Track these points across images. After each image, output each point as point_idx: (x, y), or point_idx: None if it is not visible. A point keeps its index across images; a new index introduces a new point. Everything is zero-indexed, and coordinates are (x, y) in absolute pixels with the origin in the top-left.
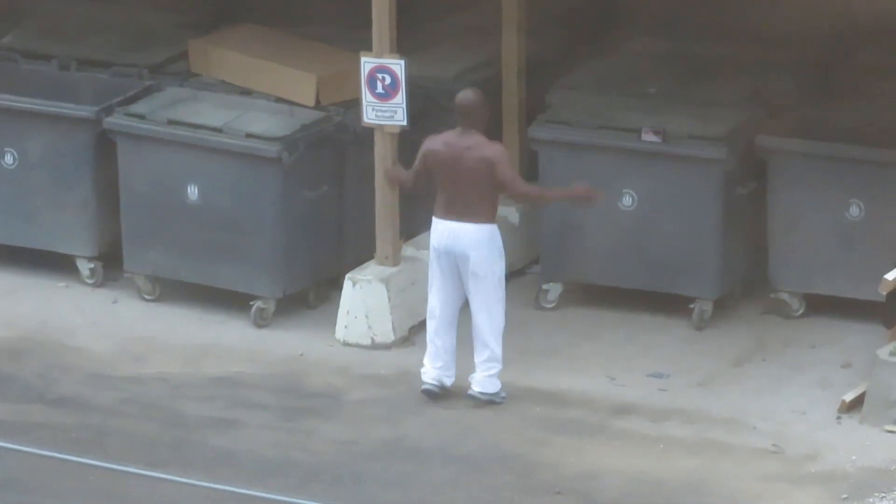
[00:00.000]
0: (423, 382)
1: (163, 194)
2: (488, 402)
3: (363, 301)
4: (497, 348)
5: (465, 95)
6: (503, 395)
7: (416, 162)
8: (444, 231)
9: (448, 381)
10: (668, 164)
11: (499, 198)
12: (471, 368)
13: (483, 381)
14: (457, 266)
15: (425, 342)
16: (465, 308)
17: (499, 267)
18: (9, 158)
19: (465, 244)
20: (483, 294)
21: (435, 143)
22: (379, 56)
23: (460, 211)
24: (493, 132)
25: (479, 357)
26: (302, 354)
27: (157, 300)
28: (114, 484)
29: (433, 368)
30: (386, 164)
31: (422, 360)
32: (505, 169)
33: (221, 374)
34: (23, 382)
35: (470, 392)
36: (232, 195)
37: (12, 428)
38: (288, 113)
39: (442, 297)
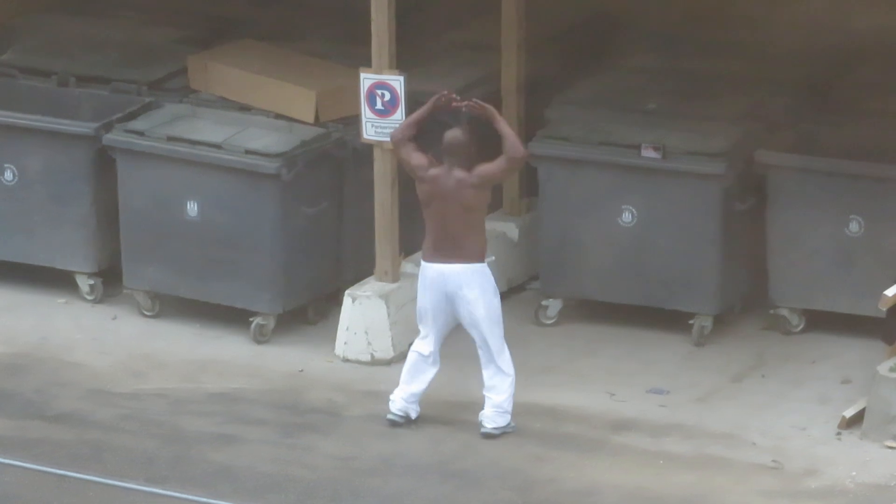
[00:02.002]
0: (390, 412)
1: (162, 210)
2: (501, 434)
3: (363, 317)
4: (507, 390)
5: (453, 135)
6: (513, 424)
7: (422, 157)
8: (433, 274)
9: (414, 414)
10: (667, 179)
11: (485, 236)
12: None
13: (493, 416)
14: (448, 308)
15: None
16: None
17: (494, 304)
18: (8, 175)
19: (456, 284)
20: (482, 336)
21: (429, 169)
22: (378, 72)
23: (448, 252)
24: (493, 149)
25: (490, 400)
26: (301, 370)
27: (156, 316)
28: (113, 500)
29: (401, 400)
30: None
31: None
32: (485, 166)
33: (221, 390)
34: (22, 398)
35: (483, 430)
36: (231, 211)
37: (11, 444)
38: (287, 129)
39: (429, 338)
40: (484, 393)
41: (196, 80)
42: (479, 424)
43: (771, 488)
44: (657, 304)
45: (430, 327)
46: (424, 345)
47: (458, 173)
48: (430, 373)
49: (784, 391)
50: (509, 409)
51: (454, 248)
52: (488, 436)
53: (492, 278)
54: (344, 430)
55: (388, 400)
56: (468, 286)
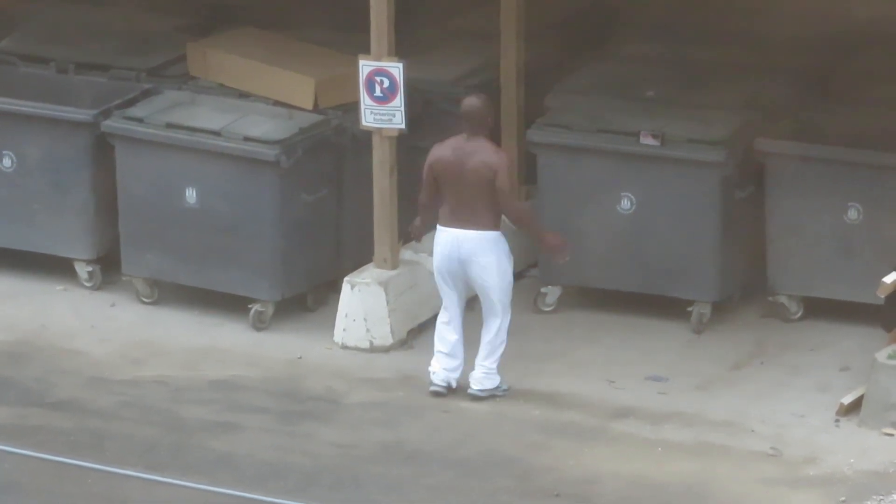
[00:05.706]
0: (432, 384)
1: (161, 197)
2: (490, 397)
3: (362, 304)
4: (499, 354)
5: (471, 101)
6: (504, 387)
7: (425, 175)
8: (448, 238)
9: (455, 384)
10: (666, 167)
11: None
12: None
13: (481, 378)
14: (461, 272)
15: (425, 345)
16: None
17: (507, 272)
18: (7, 162)
19: (470, 251)
20: (489, 301)
21: (442, 149)
22: (377, 59)
23: (465, 218)
24: (493, 136)
25: (480, 358)
26: (300, 358)
27: (155, 303)
28: (113, 487)
29: (442, 370)
30: (413, 227)
31: (421, 362)
32: (504, 179)
33: (220, 378)
34: (21, 386)
35: (470, 391)
36: (230, 198)
37: (11, 431)
38: (286, 116)
39: (448, 303)
40: (477, 358)
41: (195, 67)
42: (468, 386)
43: (770, 475)
44: (656, 292)
45: (449, 292)
46: (444, 313)
47: (481, 143)
48: (453, 338)
49: (783, 379)
50: (497, 370)
51: (471, 215)
52: (475, 398)
53: (506, 245)
54: (343, 418)
55: (387, 387)
56: (482, 252)
